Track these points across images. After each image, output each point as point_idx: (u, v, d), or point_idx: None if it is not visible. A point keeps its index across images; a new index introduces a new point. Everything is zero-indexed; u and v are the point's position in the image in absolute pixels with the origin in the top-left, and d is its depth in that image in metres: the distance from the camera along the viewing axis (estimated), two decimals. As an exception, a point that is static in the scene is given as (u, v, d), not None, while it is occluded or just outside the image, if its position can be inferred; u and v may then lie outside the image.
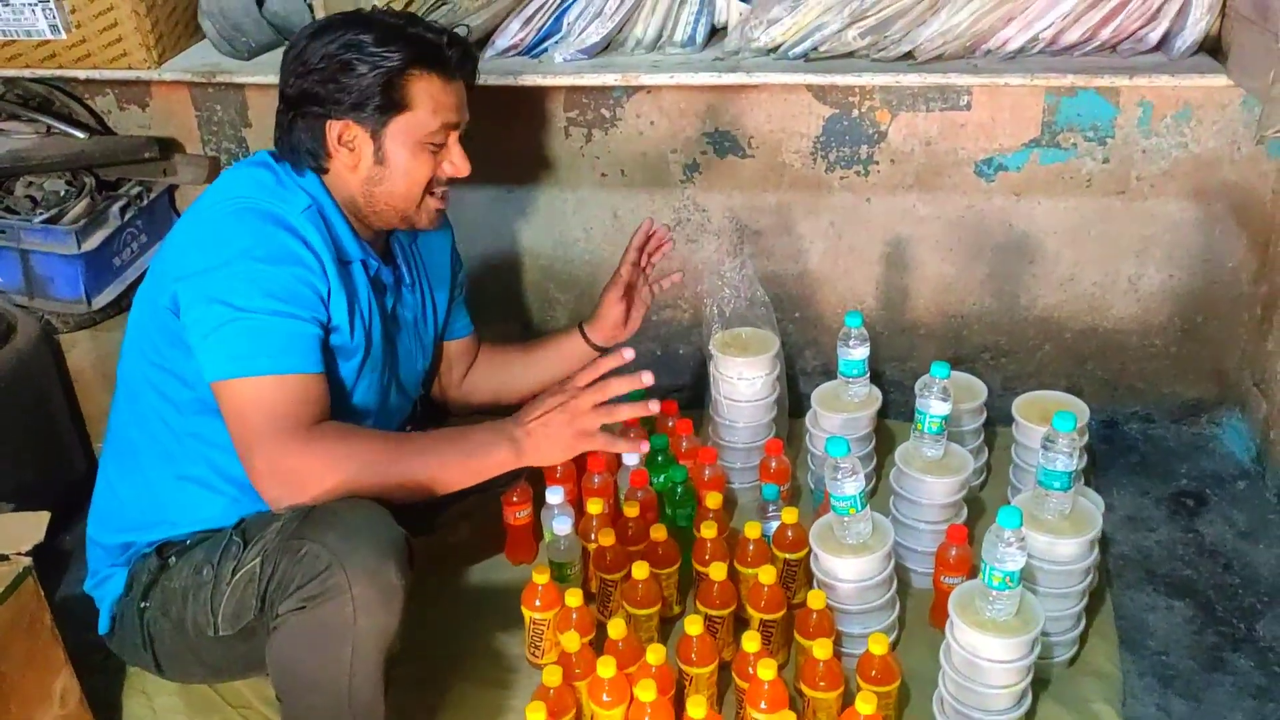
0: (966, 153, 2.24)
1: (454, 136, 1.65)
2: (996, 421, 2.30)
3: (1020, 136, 2.21)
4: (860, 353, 2.12)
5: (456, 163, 1.65)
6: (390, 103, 1.57)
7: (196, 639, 1.56)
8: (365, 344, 1.65)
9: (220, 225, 1.53)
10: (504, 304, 2.54)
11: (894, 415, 2.44)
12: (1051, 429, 1.72)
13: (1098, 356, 2.40)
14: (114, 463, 1.71)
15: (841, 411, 2.16)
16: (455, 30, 1.69)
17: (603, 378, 1.54)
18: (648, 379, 1.54)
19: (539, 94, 2.29)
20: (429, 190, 1.66)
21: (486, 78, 2.07)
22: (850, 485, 1.76)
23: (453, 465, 1.52)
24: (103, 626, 1.72)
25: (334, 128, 1.59)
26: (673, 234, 1.97)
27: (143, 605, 1.62)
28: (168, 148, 2.43)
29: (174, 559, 1.61)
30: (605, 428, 1.54)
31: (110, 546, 1.69)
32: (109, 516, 1.70)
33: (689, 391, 2.57)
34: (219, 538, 1.57)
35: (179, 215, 2.54)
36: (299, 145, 1.62)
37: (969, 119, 2.21)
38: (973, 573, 1.89)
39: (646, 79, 2.05)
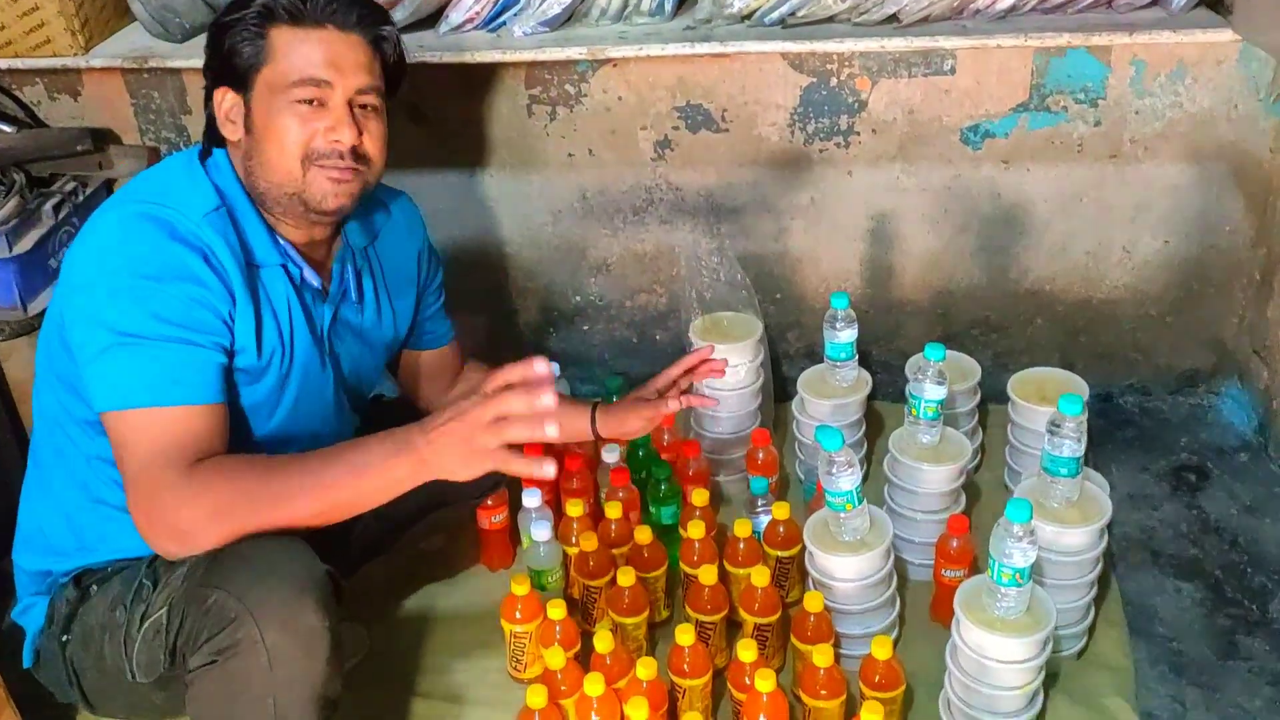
0: (951, 120, 2.13)
1: (336, 98, 1.41)
2: (988, 399, 2.20)
3: (1007, 101, 2.10)
4: (847, 335, 2.02)
5: (328, 125, 1.40)
6: (251, 59, 1.42)
7: (117, 680, 1.43)
8: (283, 360, 1.49)
9: (107, 234, 1.37)
10: (469, 296, 2.40)
11: (881, 396, 2.34)
12: (1057, 413, 1.63)
13: (1091, 328, 2.31)
14: (33, 482, 1.57)
15: (830, 397, 2.05)
16: None
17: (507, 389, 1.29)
18: (552, 432, 1.23)
19: (498, 71, 2.16)
20: (313, 160, 1.42)
21: (440, 55, 1.94)
22: (846, 480, 1.66)
23: (346, 484, 1.30)
24: (26, 659, 1.58)
25: (216, 99, 1.46)
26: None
27: (64, 639, 1.49)
28: (103, 139, 2.27)
29: (94, 588, 1.48)
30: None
31: (32, 573, 1.56)
32: (29, 540, 1.57)
33: (667, 379, 2.46)
34: (134, 570, 1.44)
35: (119, 211, 2.39)
36: (206, 129, 1.49)
37: (953, 84, 2.10)
38: (975, 565, 1.80)
39: (614, 52, 1.92)
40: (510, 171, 2.29)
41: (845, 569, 1.70)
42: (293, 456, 1.35)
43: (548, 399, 1.22)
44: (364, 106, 1.46)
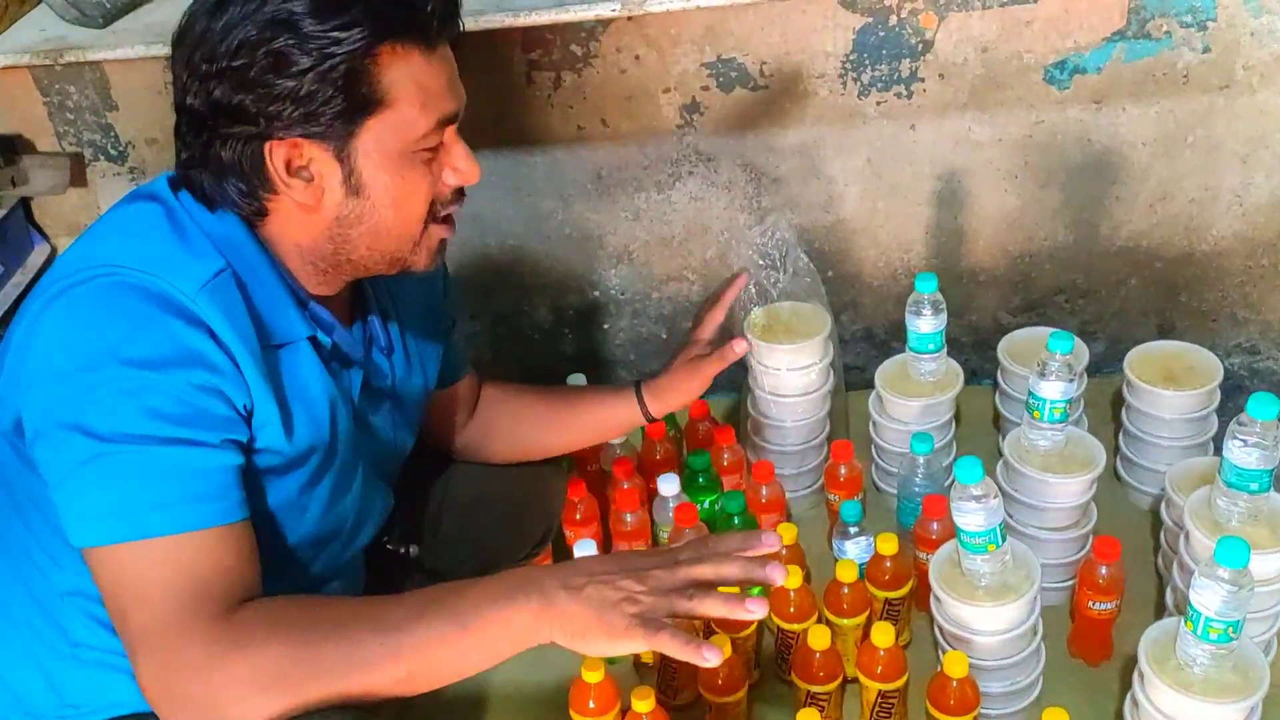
0: (1034, 56, 1.81)
1: (451, 130, 1.13)
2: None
3: (1101, 30, 1.78)
4: (934, 323, 1.71)
5: (461, 167, 1.13)
6: (357, 103, 1.04)
7: None
8: (327, 443, 1.16)
9: (78, 310, 1.00)
10: (470, 298, 2.07)
11: (954, 379, 2.04)
12: (1246, 414, 1.33)
13: (1193, 285, 2.01)
14: None
15: (916, 396, 1.75)
16: None
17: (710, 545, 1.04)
18: (778, 576, 1.01)
19: (488, 33, 1.79)
20: (435, 216, 1.13)
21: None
22: (986, 516, 1.36)
23: (445, 640, 0.98)
24: None
25: (278, 152, 1.05)
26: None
27: None
28: (12, 148, 1.87)
29: None
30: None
31: None
32: None
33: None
34: None
35: (42, 234, 2.00)
36: (224, 180, 1.07)
37: (1036, 14, 1.77)
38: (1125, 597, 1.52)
39: (654, 5, 1.56)
40: (509, 152, 1.94)
41: (988, 620, 1.40)
42: (362, 600, 1.03)
43: (757, 608, 0.99)
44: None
